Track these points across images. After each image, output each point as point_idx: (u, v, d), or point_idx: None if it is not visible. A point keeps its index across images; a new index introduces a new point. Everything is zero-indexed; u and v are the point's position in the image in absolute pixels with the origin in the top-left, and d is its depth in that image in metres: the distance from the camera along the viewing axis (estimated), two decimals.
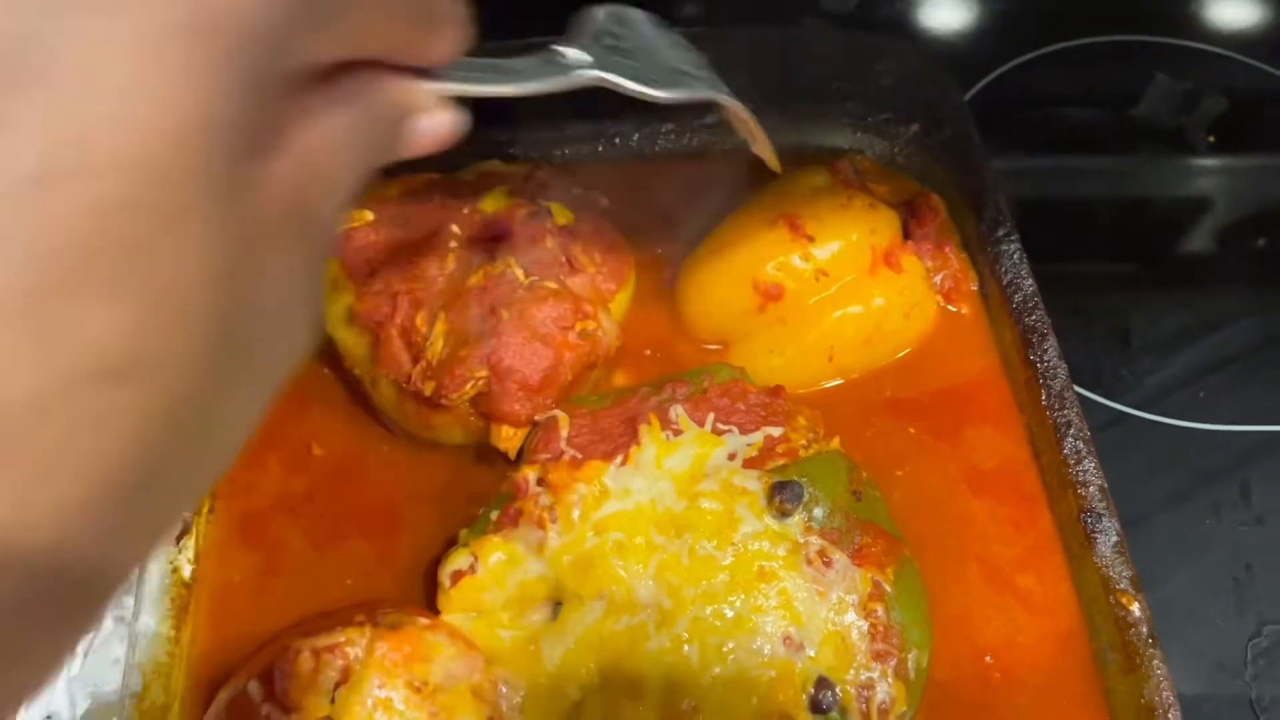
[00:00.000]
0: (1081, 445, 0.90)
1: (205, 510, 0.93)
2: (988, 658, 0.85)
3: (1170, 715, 0.79)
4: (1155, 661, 0.81)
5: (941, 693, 0.84)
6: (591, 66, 0.60)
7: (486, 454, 0.93)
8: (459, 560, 0.84)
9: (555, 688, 0.80)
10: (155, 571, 0.88)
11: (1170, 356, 1.19)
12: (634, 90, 0.62)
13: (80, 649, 1.01)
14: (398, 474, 0.95)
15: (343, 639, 0.75)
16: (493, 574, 0.83)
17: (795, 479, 0.81)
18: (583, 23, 0.65)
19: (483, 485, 0.91)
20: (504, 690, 0.80)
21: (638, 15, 0.70)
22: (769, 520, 0.80)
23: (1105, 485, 0.88)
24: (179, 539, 0.90)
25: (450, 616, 0.83)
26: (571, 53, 0.60)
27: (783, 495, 0.80)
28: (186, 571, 0.90)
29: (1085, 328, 1.16)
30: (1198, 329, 1.21)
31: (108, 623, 1.01)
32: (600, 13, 0.66)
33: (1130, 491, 0.94)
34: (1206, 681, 0.98)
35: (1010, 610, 0.87)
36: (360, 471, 0.96)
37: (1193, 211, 1.32)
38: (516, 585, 0.83)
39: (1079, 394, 0.95)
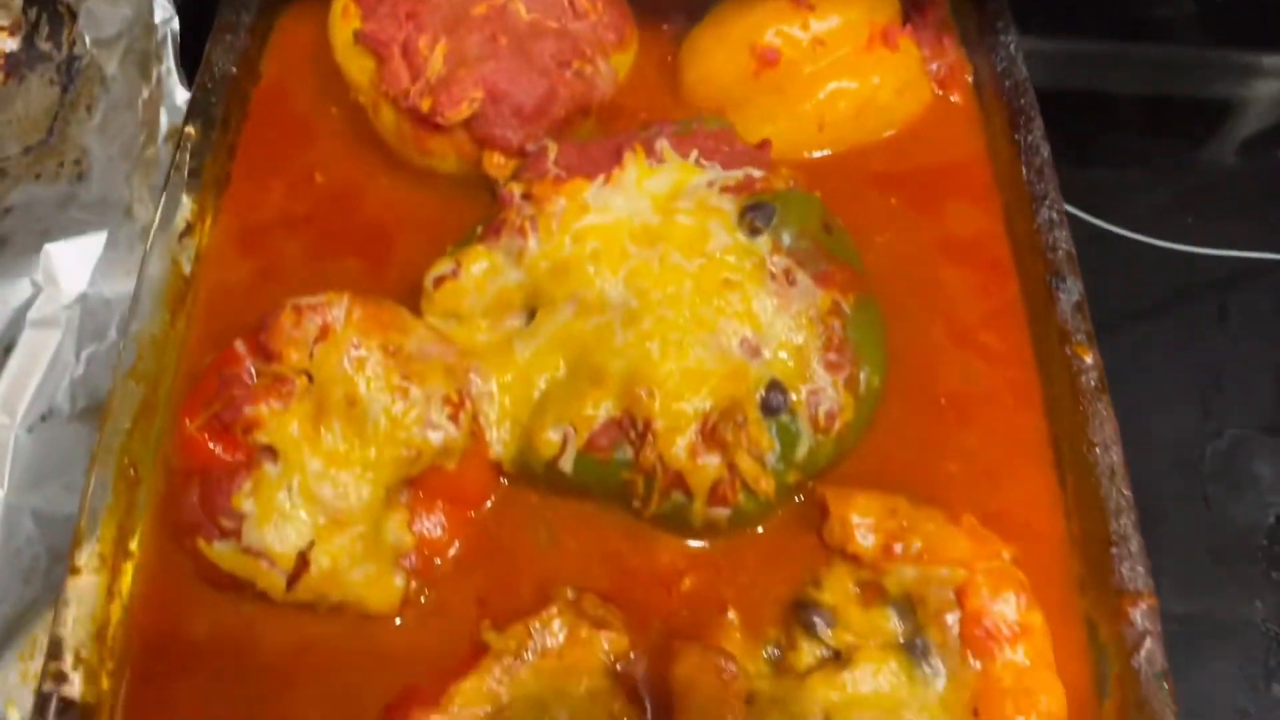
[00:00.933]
0: (1054, 215, 0.92)
1: (209, 217, 0.97)
2: (942, 400, 0.88)
3: (1117, 477, 0.82)
4: (1102, 407, 0.84)
5: (895, 425, 0.87)
6: None
7: (478, 187, 0.96)
8: (443, 266, 0.88)
9: (524, 379, 0.84)
10: (156, 264, 0.92)
11: (1162, 184, 1.21)
12: None
13: (82, 356, 1.06)
14: (394, 202, 0.99)
15: (324, 300, 0.80)
16: (474, 281, 0.87)
17: (768, 202, 0.84)
18: None
19: (473, 216, 0.94)
20: (475, 379, 0.84)
21: None
22: (740, 237, 0.83)
23: (1073, 251, 0.91)
24: (181, 237, 0.94)
25: (431, 320, 0.87)
26: None
27: (755, 214, 0.83)
28: (187, 268, 0.94)
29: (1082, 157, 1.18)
30: (1193, 160, 1.23)
31: (112, 331, 1.07)
32: None
33: (1107, 303, 0.94)
34: (1164, 476, 1.01)
35: (970, 362, 0.90)
36: (359, 198, 0.99)
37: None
38: (495, 293, 0.87)
39: (1068, 211, 0.94)
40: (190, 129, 0.98)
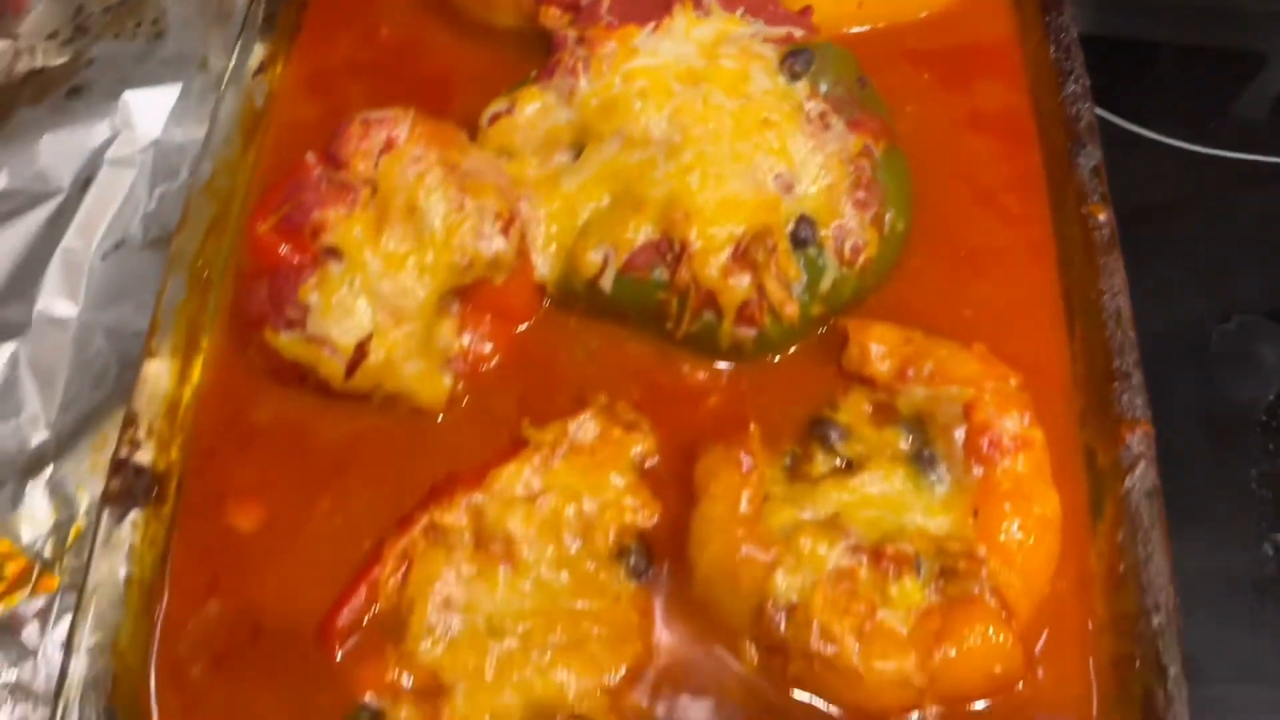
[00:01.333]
0: (1078, 89, 0.97)
1: (280, 61, 1.04)
2: (962, 254, 0.94)
3: (1123, 319, 0.87)
4: (1112, 260, 0.89)
5: (915, 275, 0.92)
6: None
7: (533, 44, 1.02)
8: (498, 104, 0.94)
9: (569, 208, 0.90)
10: (231, 98, 0.99)
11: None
12: None
13: (155, 193, 1.13)
14: (454, 55, 1.05)
15: (391, 115, 0.86)
16: (527, 119, 0.93)
17: (808, 49, 0.89)
18: None
19: (527, 70, 1.00)
20: (524, 206, 0.90)
21: None
22: (780, 81, 0.89)
23: (1094, 121, 0.95)
24: (254, 75, 1.01)
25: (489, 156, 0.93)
26: None
27: (794, 59, 0.89)
28: (259, 103, 1.01)
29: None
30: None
31: (184, 172, 1.14)
32: None
33: (1125, 197, 0.96)
34: (1170, 355, 1.06)
35: (989, 221, 0.95)
36: (420, 51, 1.06)
37: None
38: (546, 131, 0.93)
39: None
40: None
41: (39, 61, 1.23)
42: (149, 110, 1.16)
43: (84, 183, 1.12)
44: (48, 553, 0.93)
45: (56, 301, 1.06)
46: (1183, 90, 1.25)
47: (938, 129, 1.00)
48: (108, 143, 1.15)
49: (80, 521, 0.95)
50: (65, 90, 1.19)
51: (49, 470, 0.97)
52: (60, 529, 0.95)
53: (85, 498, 0.96)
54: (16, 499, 0.95)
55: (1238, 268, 1.12)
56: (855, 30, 1.06)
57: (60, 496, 0.96)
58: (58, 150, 1.14)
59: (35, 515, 0.95)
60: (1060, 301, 0.91)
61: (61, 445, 0.98)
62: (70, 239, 1.09)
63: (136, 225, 1.11)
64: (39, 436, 0.99)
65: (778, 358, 0.89)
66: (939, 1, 1.07)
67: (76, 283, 1.07)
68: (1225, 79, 1.30)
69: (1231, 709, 0.92)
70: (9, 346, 1.03)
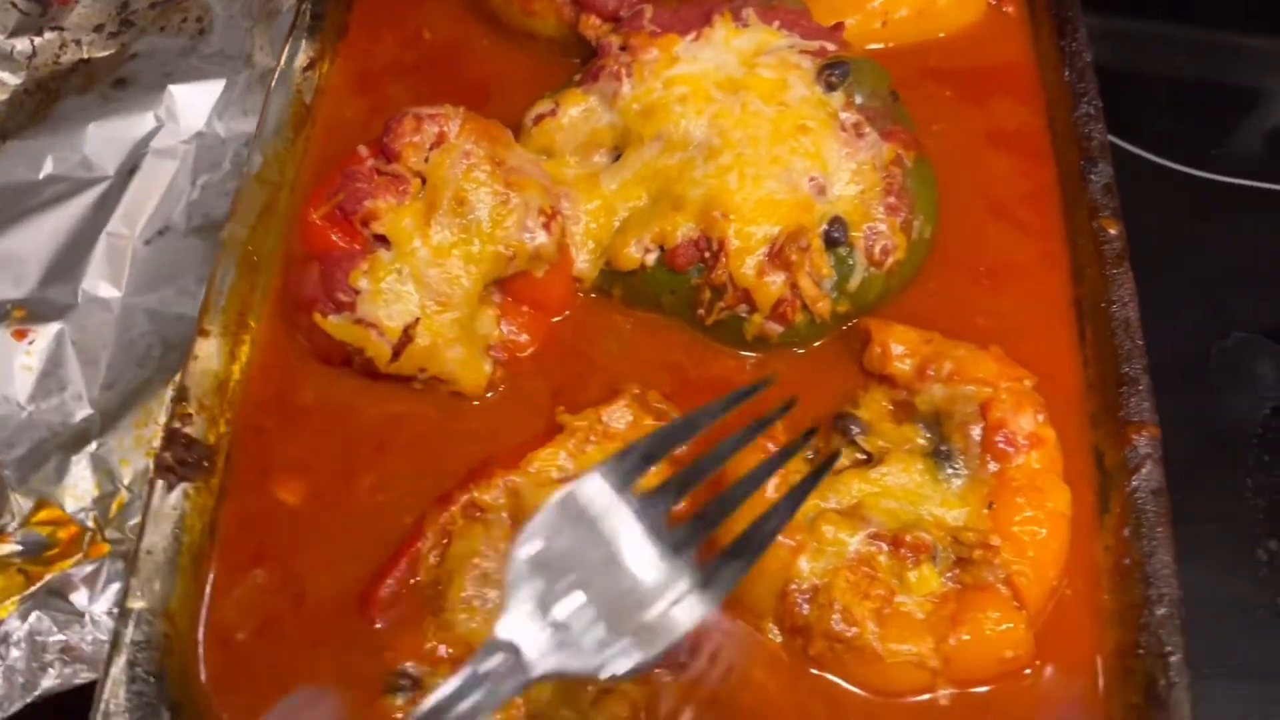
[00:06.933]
0: (1091, 110, 1.02)
1: (327, 60, 1.08)
2: (981, 267, 0.98)
3: (1131, 328, 0.91)
4: (1121, 272, 0.93)
5: (935, 285, 0.97)
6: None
7: (572, 52, 1.06)
8: (543, 105, 0.98)
9: (609, 207, 0.94)
10: (281, 92, 1.03)
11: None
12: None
13: (198, 183, 1.17)
14: (494, 60, 1.09)
15: (443, 111, 0.90)
16: (571, 120, 0.97)
17: (845, 61, 0.94)
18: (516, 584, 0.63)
19: (565, 77, 1.04)
20: (565, 204, 0.94)
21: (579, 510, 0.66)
22: (817, 90, 0.93)
23: (1106, 142, 1.00)
24: (303, 71, 1.05)
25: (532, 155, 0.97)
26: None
27: (832, 71, 0.93)
28: (307, 99, 1.05)
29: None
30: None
31: (226, 163, 1.17)
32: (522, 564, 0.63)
33: (1130, 217, 0.97)
34: (1170, 369, 1.10)
35: (1007, 234, 1.00)
36: (462, 55, 1.10)
37: None
38: (588, 132, 0.97)
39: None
40: None
41: (85, 53, 1.26)
42: (192, 103, 1.20)
43: (129, 171, 1.16)
44: (90, 524, 0.97)
45: (101, 284, 1.09)
46: (1185, 120, 1.30)
47: (959, 144, 1.05)
48: (152, 133, 1.18)
49: (123, 494, 0.98)
50: (111, 82, 1.23)
51: (92, 445, 1.00)
52: (104, 501, 0.98)
53: (129, 472, 0.99)
54: (61, 472, 0.99)
55: (1237, 288, 1.17)
56: (879, 47, 1.10)
57: (104, 470, 0.99)
58: (103, 139, 1.18)
59: (79, 488, 0.98)
60: (1072, 310, 0.96)
61: (105, 421, 1.02)
62: (115, 224, 1.12)
63: (179, 213, 1.14)
64: (82, 412, 1.02)
65: (801, 351, 0.93)
66: (959, 22, 1.12)
67: (120, 267, 1.11)
68: (1223, 111, 1.35)
69: (1221, 706, 0.96)
70: (54, 326, 1.06)
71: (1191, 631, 0.93)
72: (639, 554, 0.65)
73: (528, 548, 0.64)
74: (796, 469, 0.86)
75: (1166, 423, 0.94)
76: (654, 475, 0.71)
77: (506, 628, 0.61)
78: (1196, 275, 1.17)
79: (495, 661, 0.60)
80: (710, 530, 0.68)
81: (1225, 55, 1.41)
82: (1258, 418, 1.09)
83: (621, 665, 0.61)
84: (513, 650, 0.60)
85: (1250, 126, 1.37)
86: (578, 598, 0.63)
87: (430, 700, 0.58)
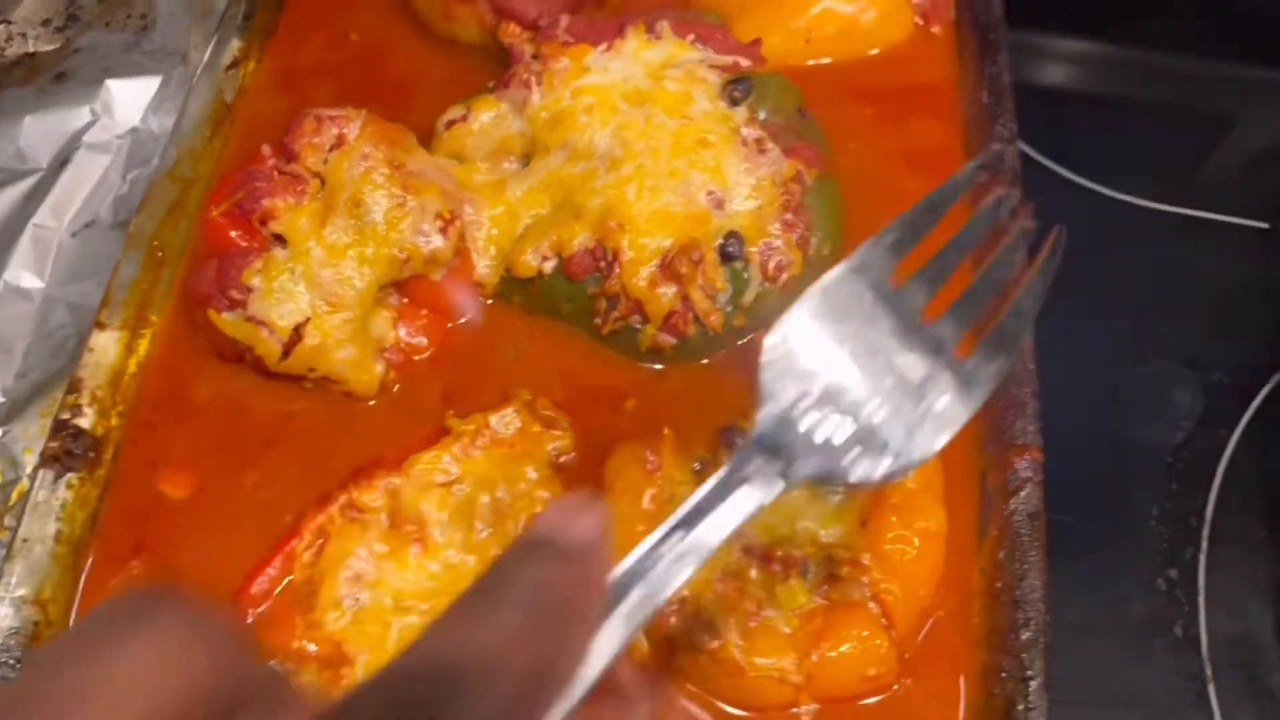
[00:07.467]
0: (1005, 133, 1.01)
1: (253, 58, 1.09)
2: None
3: (1024, 354, 0.91)
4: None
5: None
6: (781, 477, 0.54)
7: (492, 58, 1.07)
8: (455, 110, 0.99)
9: (512, 213, 0.95)
10: (203, 89, 1.04)
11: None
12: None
13: (128, 178, 1.18)
14: (418, 64, 1.10)
15: (344, 113, 0.91)
16: (481, 126, 0.98)
17: (749, 77, 0.94)
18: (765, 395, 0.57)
19: (485, 81, 1.05)
20: (468, 209, 0.94)
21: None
22: (720, 105, 0.94)
23: (1018, 167, 1.00)
24: (226, 69, 1.06)
25: (438, 159, 0.98)
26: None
27: (736, 86, 0.94)
28: (229, 97, 1.06)
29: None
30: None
31: (157, 159, 1.18)
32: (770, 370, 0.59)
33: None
34: (1084, 395, 1.10)
35: None
36: (386, 57, 1.11)
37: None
38: (498, 139, 0.98)
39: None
40: None
41: (31, 47, 1.27)
42: (130, 99, 1.21)
43: (61, 164, 1.17)
44: None
45: (24, 275, 1.10)
46: (1121, 144, 1.30)
47: (873, 162, 1.05)
48: (87, 127, 1.19)
49: (24, 483, 0.99)
50: (52, 75, 1.24)
51: None
52: (4, 489, 0.99)
53: (31, 460, 1.00)
54: None
55: (1162, 314, 1.16)
56: (813, 64, 1.10)
57: (7, 458, 1.00)
58: (39, 131, 1.19)
59: None
60: None
61: (13, 410, 1.02)
62: (42, 216, 1.13)
63: (107, 207, 1.15)
64: None
65: (706, 362, 0.94)
66: (886, 41, 1.12)
67: (45, 258, 1.12)
68: (1166, 137, 1.34)
69: None
70: None
71: (1077, 658, 0.93)
72: (894, 352, 0.59)
73: (780, 349, 0.59)
74: (684, 479, 0.87)
75: (1079, 447, 0.94)
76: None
77: (764, 428, 0.56)
78: (1123, 300, 1.17)
79: (756, 464, 0.54)
80: (967, 325, 0.61)
81: (1175, 80, 1.41)
82: (1170, 446, 1.08)
83: (879, 469, 0.56)
84: (773, 450, 0.55)
85: (1224, 154, 1.37)
86: (830, 400, 0.57)
87: (691, 500, 0.52)
